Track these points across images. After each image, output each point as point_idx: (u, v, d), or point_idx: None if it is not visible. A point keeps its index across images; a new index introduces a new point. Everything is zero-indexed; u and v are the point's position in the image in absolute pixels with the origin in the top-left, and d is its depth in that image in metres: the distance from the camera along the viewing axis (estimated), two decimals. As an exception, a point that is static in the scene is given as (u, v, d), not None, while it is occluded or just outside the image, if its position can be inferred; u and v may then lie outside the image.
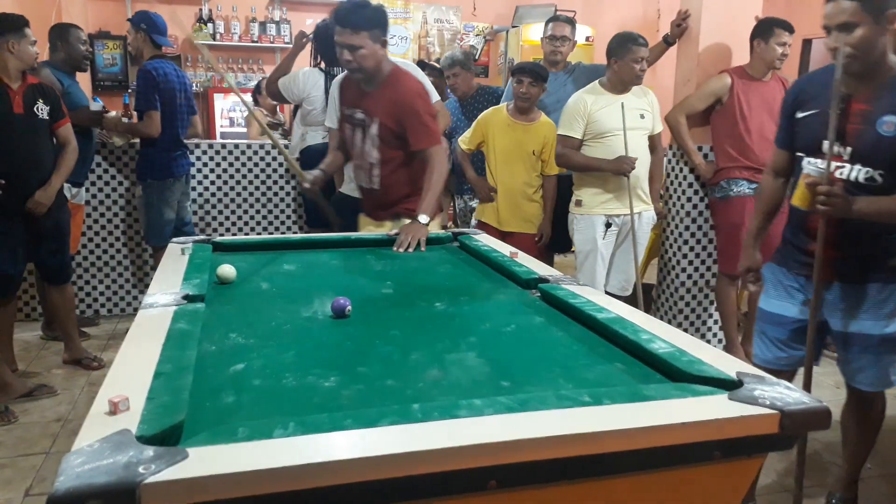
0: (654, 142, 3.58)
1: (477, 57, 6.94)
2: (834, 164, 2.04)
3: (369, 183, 2.88)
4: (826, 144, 2.05)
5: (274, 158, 4.60)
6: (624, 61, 3.35)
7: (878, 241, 2.07)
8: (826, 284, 2.14)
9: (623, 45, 3.35)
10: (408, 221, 2.72)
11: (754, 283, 2.40)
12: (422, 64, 5.11)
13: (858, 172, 2.03)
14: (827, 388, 3.56)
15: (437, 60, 5.19)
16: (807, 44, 6.87)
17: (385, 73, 2.74)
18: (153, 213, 4.00)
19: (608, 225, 3.50)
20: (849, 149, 2.03)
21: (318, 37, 4.02)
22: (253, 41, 6.42)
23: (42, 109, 3.24)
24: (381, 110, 2.74)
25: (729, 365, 1.33)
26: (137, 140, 4.13)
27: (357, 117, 2.81)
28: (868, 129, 1.99)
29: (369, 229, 2.93)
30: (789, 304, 2.27)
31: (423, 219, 2.60)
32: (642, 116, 3.45)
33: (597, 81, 3.49)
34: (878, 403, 2.34)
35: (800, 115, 2.17)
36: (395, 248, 2.49)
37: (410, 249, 2.48)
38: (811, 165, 2.11)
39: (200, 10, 6.33)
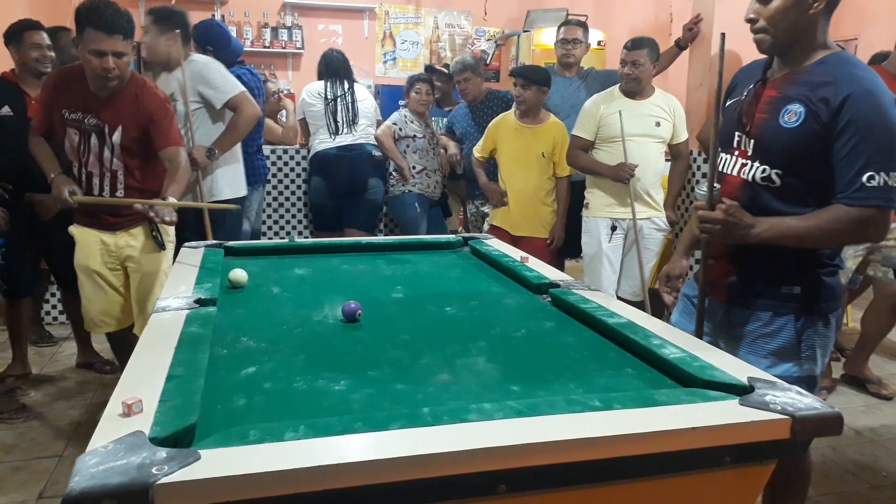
0: (677, 149, 3.57)
1: (488, 61, 6.95)
2: (740, 160, 1.77)
3: (111, 191, 2.70)
4: (737, 137, 1.79)
5: (286, 163, 4.63)
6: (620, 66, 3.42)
7: (774, 261, 1.74)
8: (722, 307, 1.88)
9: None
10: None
11: (670, 293, 2.09)
12: (429, 68, 5.12)
13: (756, 170, 1.72)
14: (841, 394, 3.53)
15: (447, 65, 5.19)
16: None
17: (126, 79, 2.63)
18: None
19: (613, 228, 3.50)
20: (753, 142, 1.74)
21: (325, 64, 4.22)
22: (265, 46, 6.45)
23: None
24: (127, 118, 2.63)
25: (740, 370, 1.33)
26: None
27: (89, 122, 2.63)
28: (770, 119, 1.69)
29: (97, 241, 2.74)
30: (686, 322, 1.98)
31: (172, 200, 2.50)
32: (658, 124, 3.44)
33: (616, 87, 3.51)
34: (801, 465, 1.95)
35: (727, 104, 1.90)
36: (158, 219, 2.44)
37: (168, 219, 2.44)
38: (698, 188, 1.84)
39: (213, 15, 6.37)
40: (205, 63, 3.34)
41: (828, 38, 1.69)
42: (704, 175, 3.89)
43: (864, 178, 1.56)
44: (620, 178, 3.34)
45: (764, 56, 1.78)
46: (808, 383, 1.75)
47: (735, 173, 1.79)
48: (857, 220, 1.59)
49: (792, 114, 1.64)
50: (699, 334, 1.81)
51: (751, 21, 1.70)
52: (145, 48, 3.27)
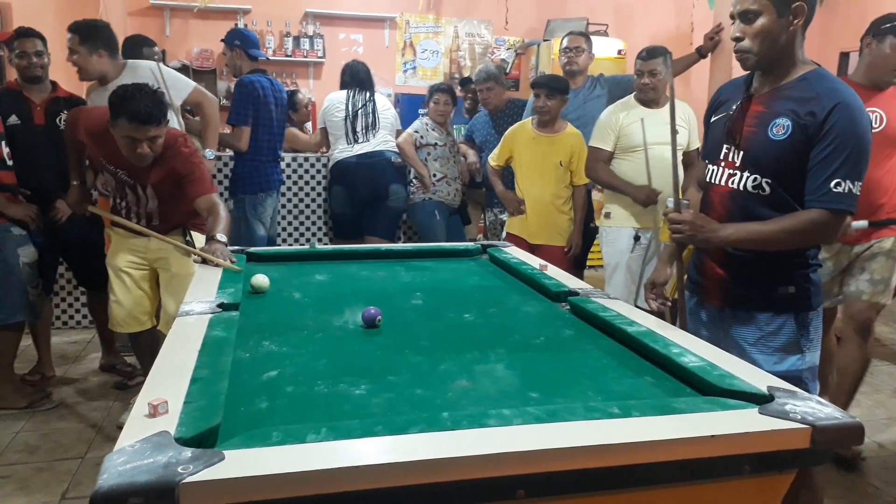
0: (689, 157, 3.55)
1: (508, 71, 6.98)
2: (727, 170, 1.89)
3: (148, 221, 2.85)
4: (725, 150, 1.90)
5: (306, 171, 4.67)
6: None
7: (766, 265, 1.85)
8: (717, 309, 1.98)
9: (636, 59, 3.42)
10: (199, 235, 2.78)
11: (655, 300, 2.14)
12: (465, 80, 5.20)
13: (747, 179, 1.84)
14: (864, 406, 3.48)
15: (470, 77, 5.27)
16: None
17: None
18: (244, 228, 3.94)
19: (636, 238, 3.49)
20: (741, 153, 1.86)
21: (351, 73, 4.31)
22: (287, 55, 6.52)
23: (64, 121, 3.31)
24: (156, 178, 2.74)
25: (760, 379, 1.32)
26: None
27: (122, 176, 2.77)
28: (759, 132, 1.81)
29: (126, 243, 2.90)
30: (694, 331, 1.98)
31: (222, 238, 2.51)
32: (676, 132, 3.43)
33: (631, 96, 3.51)
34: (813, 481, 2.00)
35: (713, 119, 2.03)
36: (214, 265, 2.32)
37: (230, 261, 2.33)
38: (670, 198, 1.96)
39: (236, 24, 6.46)
40: (152, 66, 3.40)
41: (803, 53, 1.82)
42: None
43: (832, 183, 1.70)
44: (643, 202, 3.35)
45: (739, 74, 1.93)
46: (812, 372, 1.89)
47: (723, 183, 1.91)
48: (819, 222, 1.73)
49: (780, 127, 1.77)
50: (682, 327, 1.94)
51: (737, 39, 1.81)
52: (77, 67, 3.25)
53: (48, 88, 3.37)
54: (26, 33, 3.28)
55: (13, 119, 3.24)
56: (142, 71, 3.33)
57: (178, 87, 3.42)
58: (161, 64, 3.47)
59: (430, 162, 4.24)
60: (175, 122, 3.41)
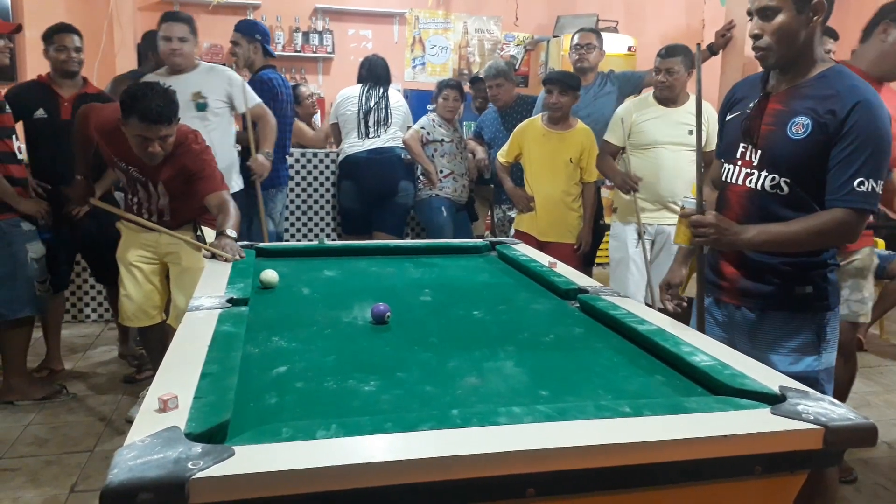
0: (707, 157, 3.53)
1: (517, 67, 6.95)
2: (744, 170, 1.86)
3: (159, 217, 2.87)
4: (742, 148, 1.86)
5: (315, 167, 4.67)
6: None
7: (784, 264, 1.82)
8: (733, 308, 1.95)
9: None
10: (211, 231, 2.80)
11: (671, 301, 2.08)
12: (476, 79, 5.20)
13: (765, 179, 1.81)
14: (874, 406, 3.47)
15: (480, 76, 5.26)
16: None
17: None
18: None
19: (639, 234, 3.50)
20: (759, 152, 1.82)
21: (369, 68, 4.37)
22: (296, 50, 6.52)
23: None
24: (168, 175, 2.75)
25: (772, 379, 1.31)
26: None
27: (133, 173, 2.79)
28: (778, 131, 1.77)
29: (137, 237, 2.92)
30: (712, 333, 1.99)
31: (232, 233, 2.52)
32: (691, 132, 3.41)
33: (650, 94, 3.51)
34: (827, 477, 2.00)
35: (728, 117, 2.00)
36: (224, 260, 2.34)
37: (238, 256, 2.36)
38: (686, 199, 1.93)
39: (245, 19, 6.46)
40: (231, 72, 3.62)
41: (822, 50, 1.80)
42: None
43: (856, 182, 1.68)
44: (622, 188, 3.37)
45: (750, 71, 1.88)
46: (828, 373, 1.87)
47: (740, 182, 1.88)
48: (843, 222, 1.71)
49: (800, 126, 1.74)
50: (701, 329, 1.91)
51: (755, 37, 1.77)
52: (184, 54, 3.41)
53: (79, 84, 3.40)
54: (66, 28, 3.31)
55: (40, 112, 3.26)
56: (217, 72, 3.52)
57: (248, 99, 3.60)
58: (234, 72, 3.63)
59: (437, 158, 4.24)
60: (231, 129, 3.64)
